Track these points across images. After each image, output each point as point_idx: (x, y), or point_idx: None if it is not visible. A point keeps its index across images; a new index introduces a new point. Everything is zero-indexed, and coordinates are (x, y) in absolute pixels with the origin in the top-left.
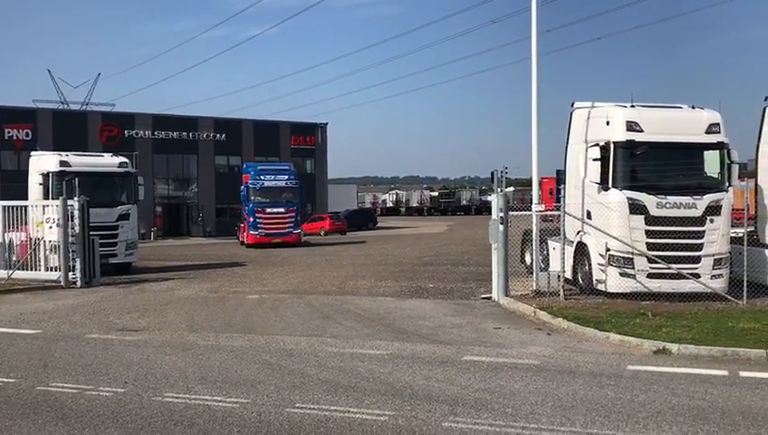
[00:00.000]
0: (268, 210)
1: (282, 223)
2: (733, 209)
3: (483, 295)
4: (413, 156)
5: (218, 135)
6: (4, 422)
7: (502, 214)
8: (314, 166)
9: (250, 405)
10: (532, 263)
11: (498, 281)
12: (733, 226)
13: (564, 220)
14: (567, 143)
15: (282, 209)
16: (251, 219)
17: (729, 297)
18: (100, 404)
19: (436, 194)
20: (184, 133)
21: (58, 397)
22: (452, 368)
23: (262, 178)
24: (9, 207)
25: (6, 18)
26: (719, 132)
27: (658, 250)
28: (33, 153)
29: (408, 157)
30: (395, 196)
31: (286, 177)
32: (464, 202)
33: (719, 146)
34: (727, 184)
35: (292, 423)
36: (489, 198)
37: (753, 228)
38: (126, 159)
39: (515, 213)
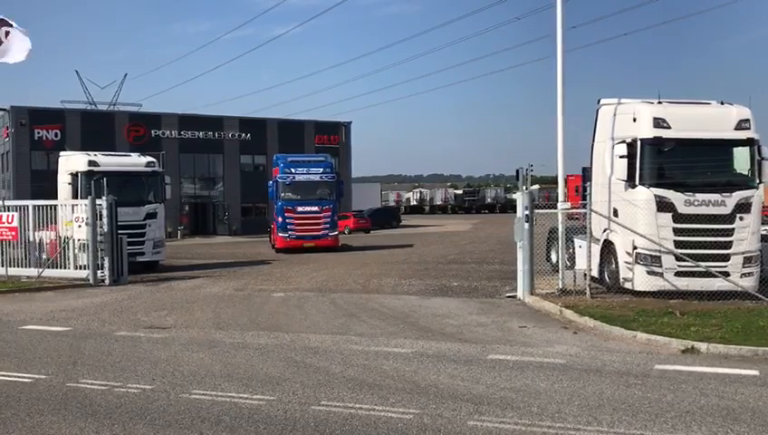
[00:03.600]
0: (299, 209)
1: (315, 224)
2: (763, 206)
3: (508, 294)
4: (437, 154)
5: (243, 134)
6: (36, 418)
7: (527, 212)
8: (338, 165)
9: (276, 402)
10: (557, 261)
11: (523, 279)
12: (763, 223)
13: (590, 218)
14: (593, 140)
15: (315, 208)
16: (279, 219)
17: (759, 296)
18: (129, 401)
19: (460, 192)
20: (210, 133)
21: (87, 393)
22: (477, 367)
23: (293, 171)
24: (39, 206)
25: (35, 21)
26: (749, 128)
27: (687, 248)
28: (62, 153)
29: (432, 155)
30: (419, 194)
31: (321, 169)
32: (488, 200)
33: (749, 142)
34: (757, 181)
35: (318, 421)
36: (514, 196)
37: None
38: (153, 159)
39: (541, 211)
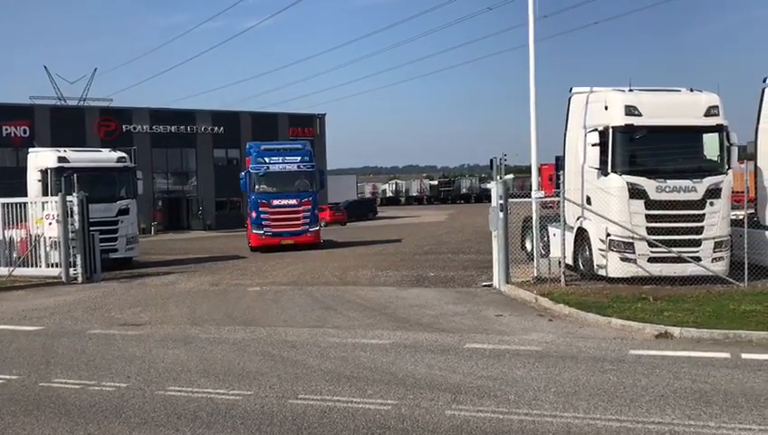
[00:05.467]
0: (275, 203)
1: (294, 219)
2: (733, 192)
3: (484, 283)
4: (412, 145)
5: (216, 128)
6: (8, 419)
7: (501, 201)
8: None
9: (253, 397)
10: (532, 250)
11: (499, 268)
12: (733, 208)
13: (564, 206)
14: (566, 129)
15: (293, 201)
16: (254, 215)
17: (730, 280)
18: (103, 399)
19: (435, 183)
20: (182, 127)
21: (61, 393)
22: (454, 356)
23: (267, 160)
24: (8, 204)
25: (2, 15)
26: (718, 115)
27: (659, 234)
28: (31, 150)
29: (407, 146)
30: (394, 185)
31: (299, 158)
32: (463, 190)
33: (718, 128)
34: (727, 167)
35: (296, 414)
36: (489, 186)
37: (753, 211)
38: (124, 154)
39: (515, 200)
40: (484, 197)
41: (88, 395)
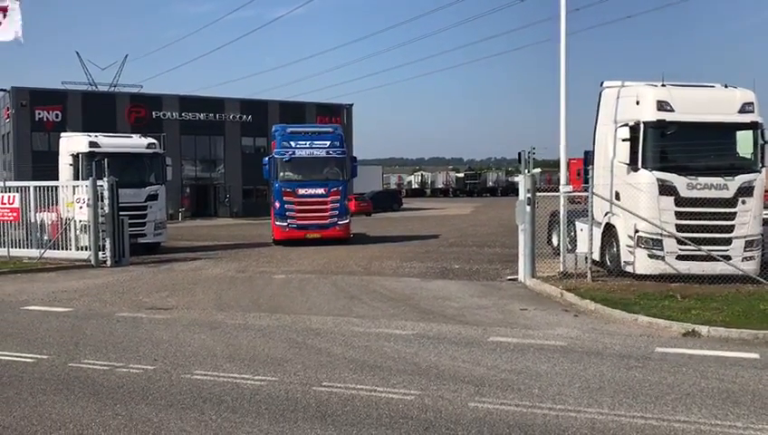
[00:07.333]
0: (301, 192)
1: (321, 210)
2: (766, 190)
3: (509, 277)
4: (438, 137)
5: (244, 116)
6: (39, 397)
7: (529, 195)
8: None
9: (277, 383)
10: (559, 244)
11: (525, 262)
12: (766, 207)
13: (592, 201)
14: (596, 123)
15: (321, 190)
16: (277, 205)
17: (761, 280)
18: (131, 381)
19: (461, 175)
20: (211, 115)
21: (89, 373)
22: (478, 349)
23: (292, 144)
24: (40, 187)
25: (36, 2)
26: (753, 112)
27: (688, 232)
28: (63, 134)
29: (434, 138)
30: (420, 177)
31: (328, 143)
32: (490, 183)
33: (753, 126)
34: (761, 165)
35: (319, 401)
36: (515, 180)
37: None
38: (154, 140)
39: (542, 194)
40: (511, 190)
41: (116, 376)
